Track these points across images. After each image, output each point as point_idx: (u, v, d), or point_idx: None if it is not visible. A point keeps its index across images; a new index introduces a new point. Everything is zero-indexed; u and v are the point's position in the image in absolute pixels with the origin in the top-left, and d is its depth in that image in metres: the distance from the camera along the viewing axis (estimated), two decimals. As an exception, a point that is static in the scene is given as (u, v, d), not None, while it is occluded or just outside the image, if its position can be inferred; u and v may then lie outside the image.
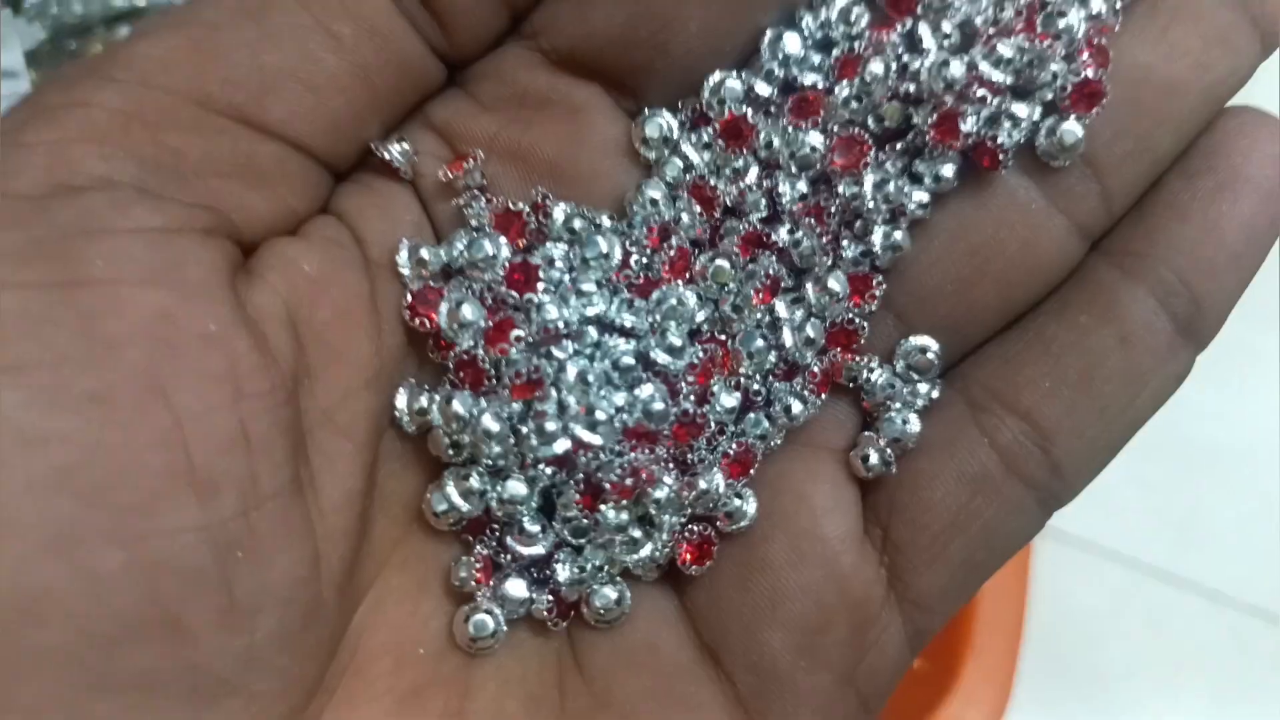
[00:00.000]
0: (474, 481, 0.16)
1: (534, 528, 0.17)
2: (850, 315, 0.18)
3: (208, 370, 0.13)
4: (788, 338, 0.17)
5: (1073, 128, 0.17)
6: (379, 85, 0.16)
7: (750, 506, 0.17)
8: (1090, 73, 0.17)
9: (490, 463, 0.17)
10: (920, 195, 0.17)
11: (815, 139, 0.17)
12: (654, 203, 0.17)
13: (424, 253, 0.16)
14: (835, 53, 0.17)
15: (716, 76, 0.17)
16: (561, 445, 0.16)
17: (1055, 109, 0.17)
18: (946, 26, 0.17)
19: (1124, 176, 0.17)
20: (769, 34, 0.17)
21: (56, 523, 0.12)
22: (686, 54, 0.16)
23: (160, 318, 0.13)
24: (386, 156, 0.16)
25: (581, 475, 0.17)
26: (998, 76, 0.17)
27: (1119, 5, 0.17)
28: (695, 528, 0.17)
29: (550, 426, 0.16)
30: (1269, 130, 0.17)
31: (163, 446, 0.13)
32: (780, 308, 0.17)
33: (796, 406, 0.17)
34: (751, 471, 0.17)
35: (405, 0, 0.16)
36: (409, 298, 0.16)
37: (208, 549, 0.13)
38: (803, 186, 0.17)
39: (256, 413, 0.14)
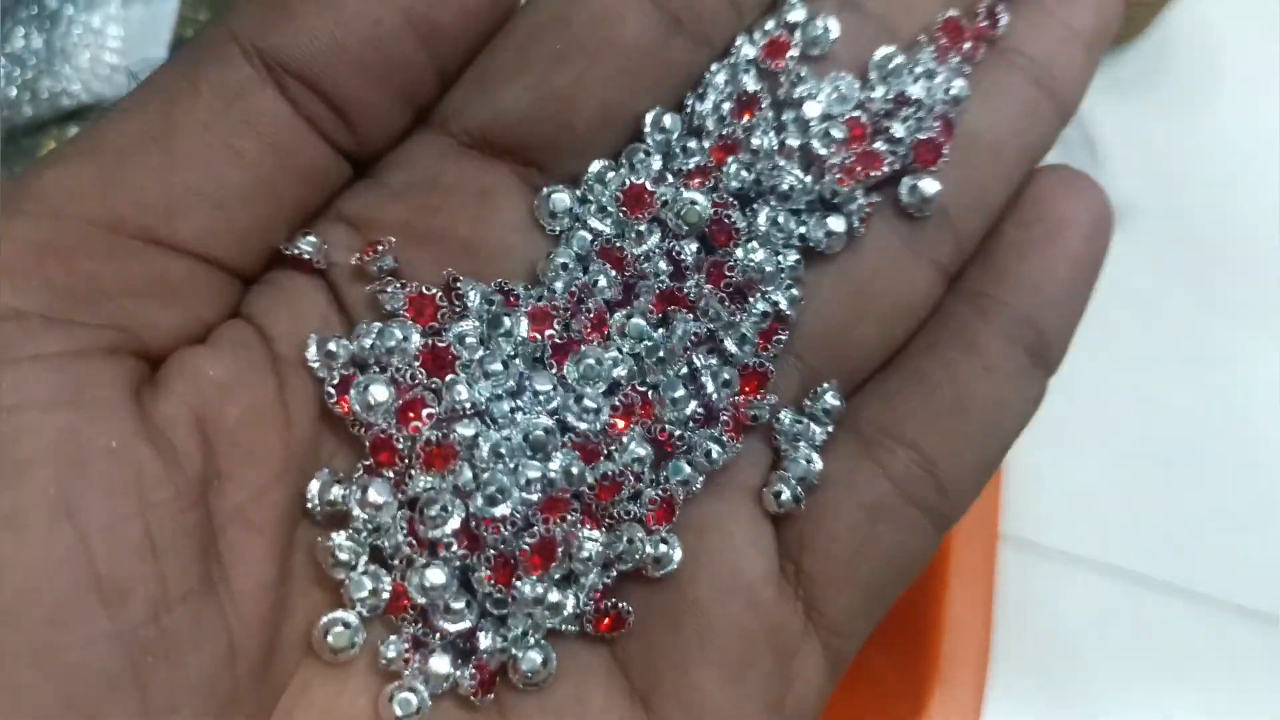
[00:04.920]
0: (346, 630, 0.17)
1: (458, 604, 0.17)
2: (759, 360, 0.19)
3: (112, 483, 0.14)
4: (709, 385, 0.18)
5: (931, 182, 0.19)
6: (284, 194, 0.17)
7: (676, 552, 0.18)
8: (933, 134, 0.19)
9: (391, 554, 0.17)
10: (792, 257, 0.19)
11: (699, 198, 0.18)
12: (565, 267, 0.18)
13: (332, 345, 0.17)
14: (707, 143, 0.19)
15: (596, 166, 0.18)
16: (453, 524, 0.17)
17: (908, 170, 0.19)
18: (814, 109, 0.19)
19: (970, 223, 0.20)
20: (651, 114, 0.18)
21: None
22: (589, 130, 0.18)
23: (65, 437, 0.14)
24: (296, 252, 0.17)
25: (491, 553, 0.17)
26: (917, 91, 0.19)
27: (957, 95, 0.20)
28: (608, 603, 0.18)
29: (440, 507, 0.17)
30: (1080, 183, 0.20)
31: (70, 561, 0.14)
32: (697, 358, 0.18)
33: (715, 451, 0.18)
34: (675, 517, 0.18)
35: (308, 105, 0.16)
36: (331, 387, 0.17)
37: (120, 654, 0.14)
38: (695, 246, 0.19)
39: (162, 519, 0.15)
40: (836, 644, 0.19)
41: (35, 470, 0.14)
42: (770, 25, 0.19)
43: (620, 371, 0.18)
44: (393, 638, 0.17)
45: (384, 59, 0.16)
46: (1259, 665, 0.47)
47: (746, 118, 0.19)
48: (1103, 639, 0.47)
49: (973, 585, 0.38)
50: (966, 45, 0.19)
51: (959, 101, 0.19)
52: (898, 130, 0.19)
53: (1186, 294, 0.53)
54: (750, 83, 0.19)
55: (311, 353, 0.17)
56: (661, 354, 0.18)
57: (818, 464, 0.19)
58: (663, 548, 0.18)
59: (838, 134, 0.19)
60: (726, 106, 0.19)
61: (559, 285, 0.18)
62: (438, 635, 0.17)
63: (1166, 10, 0.55)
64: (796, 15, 0.19)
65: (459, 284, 0.18)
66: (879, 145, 0.19)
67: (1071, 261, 0.19)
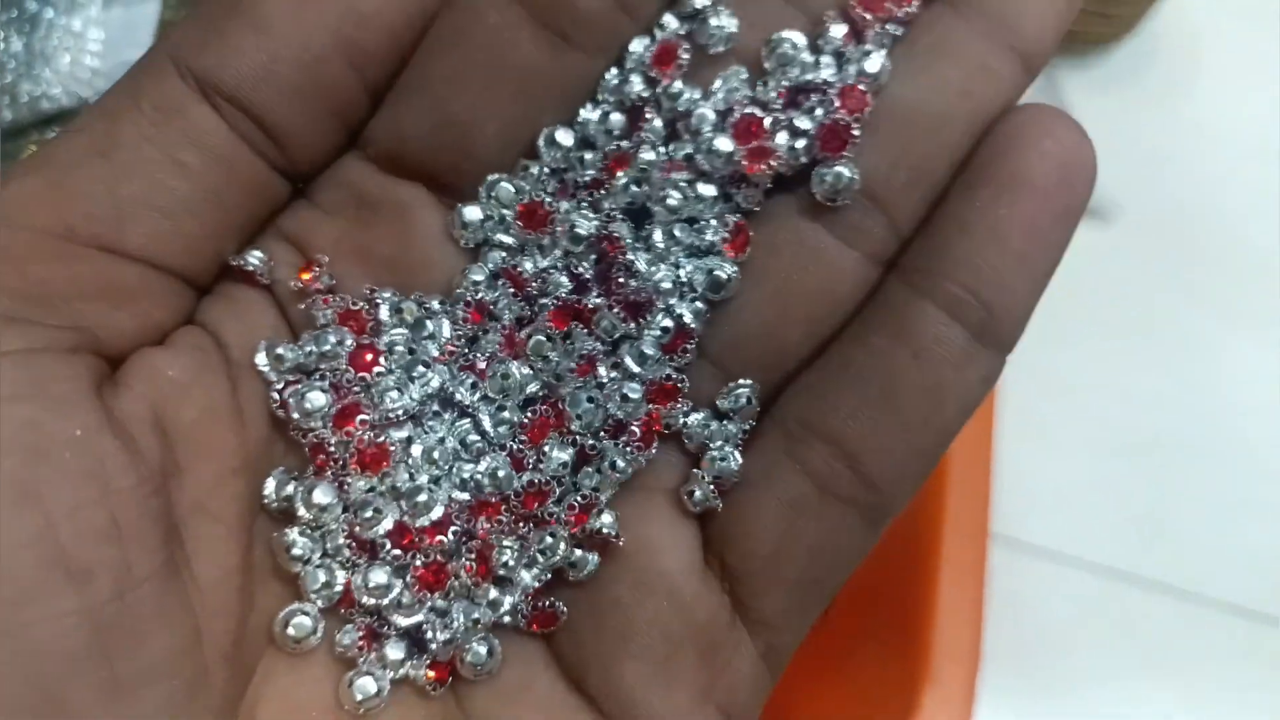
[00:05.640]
0: (306, 620, 0.18)
1: (408, 599, 0.18)
2: (667, 372, 0.18)
3: (76, 470, 0.15)
4: (610, 405, 0.18)
5: (841, 169, 0.18)
6: (229, 205, 0.17)
7: (592, 557, 0.18)
8: (839, 117, 0.18)
9: (341, 549, 0.18)
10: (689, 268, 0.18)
11: (580, 221, 0.18)
12: (477, 284, 0.18)
13: (280, 350, 0.18)
14: (597, 157, 0.18)
15: (491, 178, 0.18)
16: (386, 525, 0.18)
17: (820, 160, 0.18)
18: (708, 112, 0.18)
19: (906, 205, 0.18)
20: (544, 132, 0.18)
21: None
22: (488, 152, 0.18)
23: (28, 428, 0.15)
24: (244, 264, 0.18)
25: (420, 558, 0.18)
26: (825, 74, 0.18)
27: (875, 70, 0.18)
28: (541, 603, 0.18)
29: (373, 509, 0.18)
30: (1047, 125, 0.17)
31: (36, 543, 0.14)
32: (602, 371, 0.19)
33: (620, 463, 0.18)
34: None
35: (241, 126, 0.17)
36: (276, 391, 0.18)
37: (86, 631, 0.14)
38: (594, 257, 0.19)
39: (126, 504, 0.15)
40: (770, 638, 0.18)
41: None
42: (669, 18, 0.18)
43: (534, 387, 0.18)
44: (348, 626, 0.18)
45: (313, 82, 0.17)
46: (1245, 661, 0.47)
47: (636, 132, 0.18)
48: (1092, 636, 0.47)
49: (964, 584, 0.38)
50: (897, 9, 0.18)
51: (877, 78, 0.18)
52: (802, 122, 0.18)
53: (1172, 291, 0.53)
54: (638, 88, 0.18)
55: (261, 358, 0.18)
56: (558, 370, 0.18)
57: (734, 462, 0.18)
58: (579, 552, 0.18)
59: (723, 146, 0.18)
60: (616, 117, 0.18)
61: (462, 301, 0.19)
62: (390, 626, 0.18)
63: (1152, 11, 0.55)
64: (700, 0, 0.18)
65: (374, 293, 0.18)
66: (780, 139, 0.18)
67: (1026, 224, 0.17)
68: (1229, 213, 0.55)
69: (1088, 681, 0.46)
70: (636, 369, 0.18)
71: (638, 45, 0.18)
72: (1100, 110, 0.55)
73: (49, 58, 0.34)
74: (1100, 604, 0.47)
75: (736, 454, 0.18)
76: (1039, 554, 0.48)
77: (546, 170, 0.18)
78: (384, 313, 0.18)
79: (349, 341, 0.18)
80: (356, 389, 0.18)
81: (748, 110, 0.18)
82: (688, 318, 0.18)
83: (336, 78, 0.17)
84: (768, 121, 0.18)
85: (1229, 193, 0.55)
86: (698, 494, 0.18)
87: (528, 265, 0.19)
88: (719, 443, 0.18)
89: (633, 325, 0.18)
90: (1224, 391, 0.51)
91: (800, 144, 0.18)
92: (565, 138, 0.18)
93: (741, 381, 0.19)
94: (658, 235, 0.18)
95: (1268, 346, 0.52)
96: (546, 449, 0.18)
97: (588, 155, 0.18)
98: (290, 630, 0.17)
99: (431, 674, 0.18)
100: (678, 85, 0.18)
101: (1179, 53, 0.58)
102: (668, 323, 0.18)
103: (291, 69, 0.17)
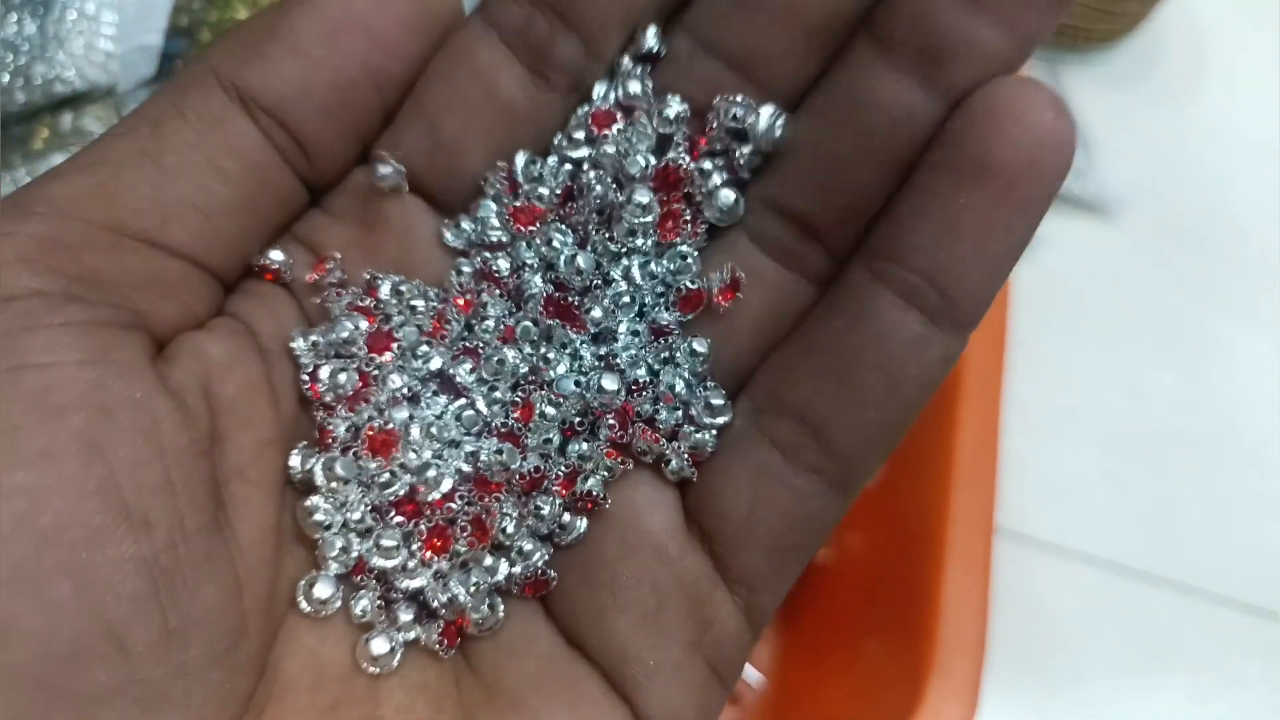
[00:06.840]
0: (328, 584, 0.19)
1: (412, 563, 0.19)
2: (639, 373, 0.20)
3: (137, 429, 0.16)
4: (587, 392, 0.20)
5: (727, 193, 0.20)
6: (261, 210, 0.19)
7: (581, 522, 0.20)
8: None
9: (358, 518, 0.19)
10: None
11: (556, 236, 0.20)
12: (463, 273, 0.20)
13: (314, 335, 0.20)
14: (551, 190, 0.20)
15: (478, 203, 0.20)
16: (400, 488, 0.19)
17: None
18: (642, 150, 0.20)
19: (841, 232, 0.19)
20: (524, 155, 0.20)
21: (17, 561, 0.15)
22: (475, 173, 0.20)
23: (94, 388, 0.16)
24: (268, 264, 0.19)
25: (428, 524, 0.19)
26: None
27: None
28: (537, 569, 0.20)
29: (391, 470, 0.19)
30: (1020, 104, 0.16)
31: (101, 492, 0.15)
32: (587, 357, 0.20)
33: (606, 472, 0.20)
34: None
35: (277, 138, 0.18)
36: (306, 374, 0.19)
37: (145, 576, 0.16)
38: (581, 261, 0.20)
39: (179, 462, 0.16)
40: (750, 597, 0.19)
41: (68, 415, 0.15)
42: (625, 60, 0.20)
43: (524, 369, 0.20)
44: (362, 593, 0.19)
45: (343, 103, 0.19)
46: (1249, 656, 0.47)
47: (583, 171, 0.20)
48: (1097, 630, 0.47)
49: (969, 576, 0.38)
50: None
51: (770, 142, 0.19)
52: (715, 174, 0.20)
53: (1178, 287, 0.54)
54: (583, 151, 0.20)
55: (298, 343, 0.19)
56: (546, 353, 0.20)
57: (708, 435, 0.19)
58: (568, 516, 0.20)
59: (642, 198, 0.19)
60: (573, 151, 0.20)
61: (454, 292, 0.20)
62: (399, 593, 0.19)
63: (1157, 8, 0.56)
64: (651, 42, 0.20)
65: (375, 279, 0.20)
66: (714, 180, 0.20)
67: (982, 214, 0.17)
68: (1236, 210, 0.55)
69: (1092, 674, 0.46)
70: (621, 353, 0.20)
71: (599, 89, 0.20)
72: (1106, 108, 0.55)
73: (63, 40, 0.34)
74: (1105, 598, 0.48)
75: (712, 432, 0.19)
76: (1044, 548, 0.48)
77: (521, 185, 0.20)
78: (384, 289, 0.20)
79: (364, 326, 0.20)
80: (375, 371, 0.20)
81: (670, 157, 0.20)
82: (670, 321, 0.20)
83: (362, 100, 0.19)
84: (689, 164, 0.20)
85: (1236, 189, 0.55)
86: (674, 463, 0.19)
87: (503, 264, 0.20)
88: (694, 425, 0.20)
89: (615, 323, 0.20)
90: (1230, 387, 0.52)
91: (712, 181, 0.20)
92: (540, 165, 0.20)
93: (699, 342, 0.20)
94: (633, 269, 0.20)
95: (1274, 343, 0.53)
96: (539, 408, 0.19)
97: (542, 190, 0.20)
98: (314, 591, 0.19)
99: (442, 638, 0.19)
100: (608, 148, 0.20)
101: (1185, 50, 0.58)
102: (639, 328, 0.20)
103: (325, 90, 0.18)
